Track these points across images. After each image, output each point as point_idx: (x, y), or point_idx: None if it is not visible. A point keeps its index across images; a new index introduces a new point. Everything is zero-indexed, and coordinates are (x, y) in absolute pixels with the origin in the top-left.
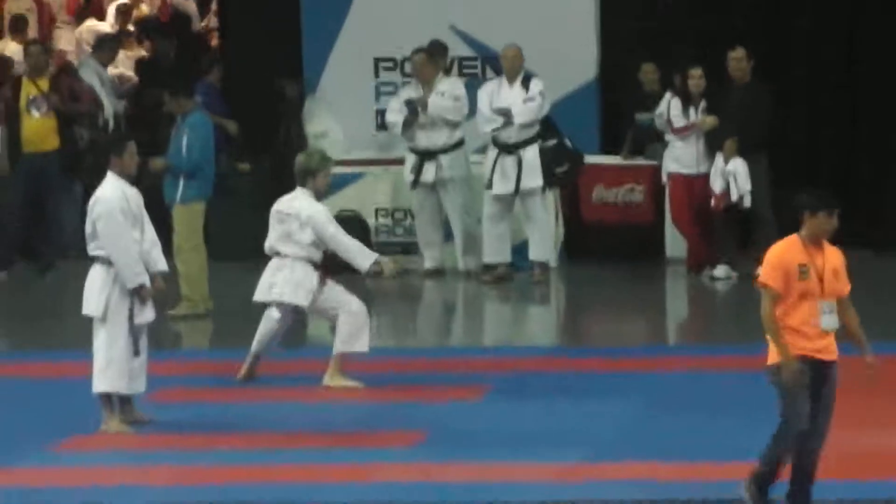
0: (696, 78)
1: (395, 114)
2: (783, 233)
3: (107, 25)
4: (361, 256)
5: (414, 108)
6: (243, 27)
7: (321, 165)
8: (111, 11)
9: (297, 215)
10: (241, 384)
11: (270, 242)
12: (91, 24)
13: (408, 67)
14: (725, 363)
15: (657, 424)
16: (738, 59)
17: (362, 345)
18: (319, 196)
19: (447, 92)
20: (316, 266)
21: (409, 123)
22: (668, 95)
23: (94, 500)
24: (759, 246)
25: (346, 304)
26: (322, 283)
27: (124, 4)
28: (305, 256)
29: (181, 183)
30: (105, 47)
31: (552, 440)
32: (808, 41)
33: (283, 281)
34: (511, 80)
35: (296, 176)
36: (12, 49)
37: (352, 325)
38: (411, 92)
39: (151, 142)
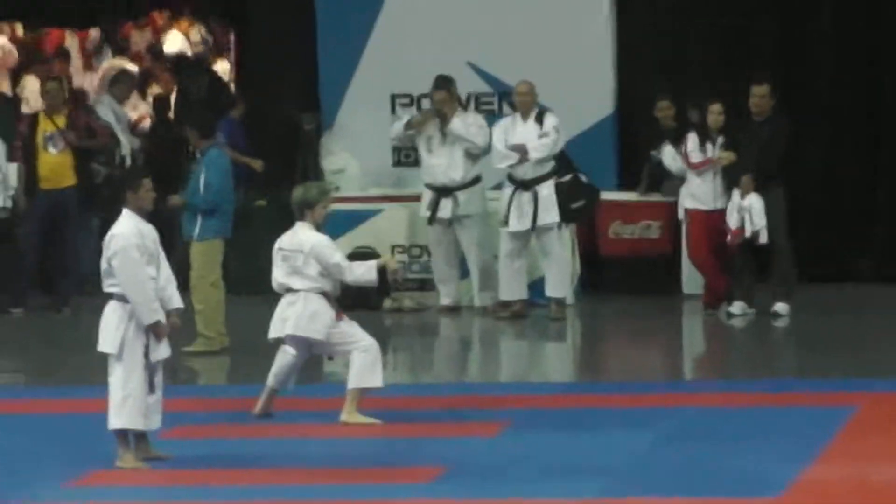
0: (715, 113)
1: (399, 123)
2: (804, 267)
3: (129, 63)
4: (367, 272)
5: (409, 124)
6: (261, 63)
7: (319, 197)
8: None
9: (301, 249)
10: (257, 420)
11: (279, 280)
12: (115, 62)
13: (424, 104)
14: (742, 399)
15: (675, 459)
16: (761, 96)
17: (376, 380)
18: (318, 228)
19: (470, 120)
20: (329, 299)
21: (412, 126)
22: (687, 136)
23: None
24: (778, 278)
25: (359, 341)
26: (338, 317)
27: (153, 44)
28: (317, 288)
29: (199, 220)
30: (120, 84)
31: (571, 475)
32: (830, 70)
33: (297, 315)
34: (525, 116)
35: (294, 209)
36: (31, 86)
37: (364, 361)
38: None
39: (167, 178)
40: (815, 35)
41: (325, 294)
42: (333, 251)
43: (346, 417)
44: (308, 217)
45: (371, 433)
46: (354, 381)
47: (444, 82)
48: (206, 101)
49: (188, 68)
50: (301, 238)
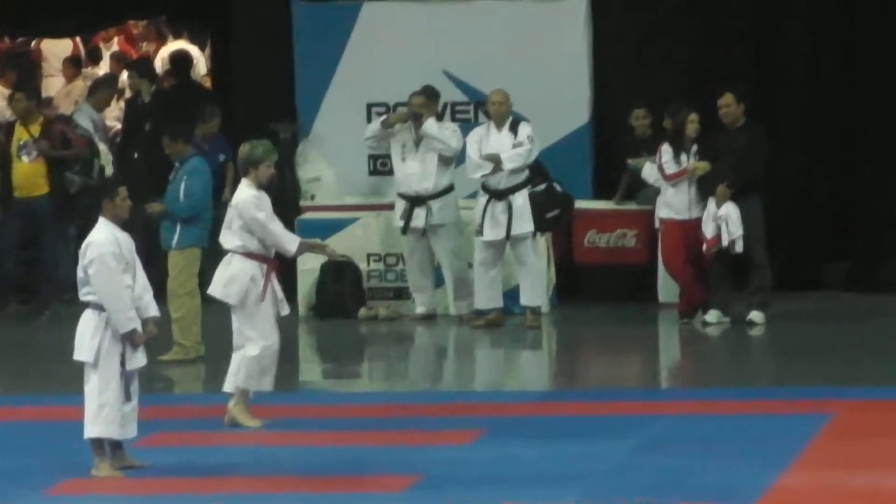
0: (691, 122)
1: (375, 122)
2: (779, 275)
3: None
4: (289, 242)
5: (386, 122)
6: (237, 72)
7: (265, 156)
8: (107, 58)
9: (235, 204)
10: (232, 429)
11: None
12: (90, 71)
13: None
14: (717, 407)
15: (650, 467)
16: (726, 106)
17: (265, 384)
18: (262, 187)
19: (445, 125)
20: (255, 262)
21: (389, 124)
22: (661, 147)
23: None
24: (754, 288)
25: (255, 341)
26: (263, 290)
27: (120, 52)
28: (242, 247)
29: (178, 228)
30: (99, 91)
31: (546, 483)
32: (806, 76)
33: (218, 277)
34: (499, 126)
35: (239, 167)
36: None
37: (251, 364)
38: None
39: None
40: (792, 44)
41: (251, 255)
42: (258, 208)
43: (232, 418)
44: (251, 175)
45: (346, 441)
46: (237, 381)
47: (427, 90)
48: (182, 109)
49: (140, 71)
50: (236, 196)
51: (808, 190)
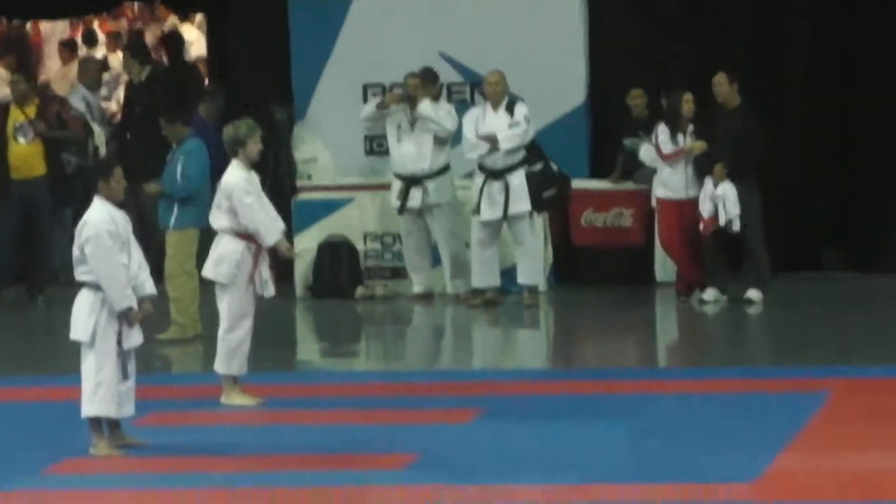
0: (687, 102)
1: (371, 103)
2: (774, 260)
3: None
4: (267, 233)
5: (382, 103)
6: (232, 54)
7: (249, 133)
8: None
9: (224, 185)
10: (230, 408)
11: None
12: (87, 53)
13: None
14: (716, 386)
15: (648, 447)
16: (719, 84)
17: (234, 367)
18: (251, 165)
19: (440, 106)
20: (245, 238)
21: (384, 105)
22: (657, 127)
23: None
24: (749, 274)
25: (227, 323)
26: (252, 272)
27: (116, 32)
28: (229, 228)
29: (175, 208)
30: (88, 70)
31: (544, 463)
32: (804, 62)
33: (209, 257)
34: (495, 106)
35: (226, 149)
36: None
37: (222, 347)
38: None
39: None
40: (791, 26)
41: (240, 235)
42: (247, 192)
43: (224, 399)
44: (241, 155)
45: (344, 420)
46: (217, 365)
47: (426, 72)
48: (177, 90)
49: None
50: (226, 177)
51: (805, 171)
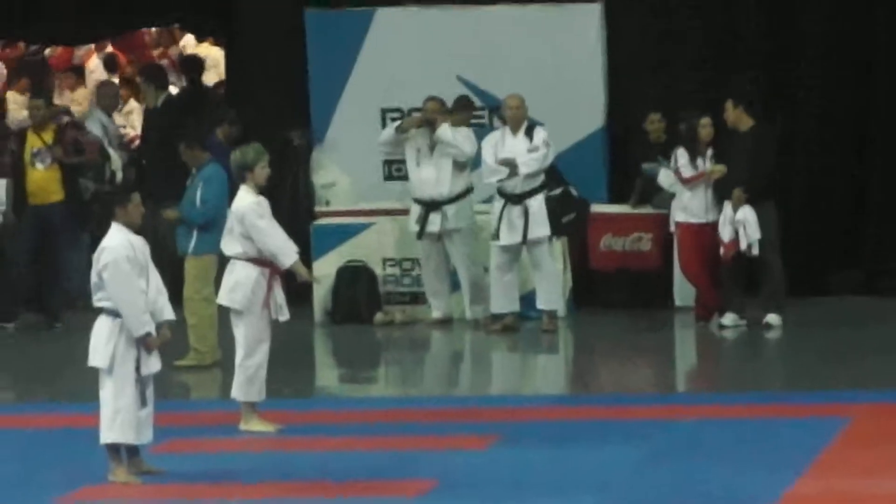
0: (704, 126)
1: (390, 128)
2: (791, 279)
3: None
4: (284, 254)
5: (401, 127)
6: (250, 78)
7: (257, 158)
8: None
9: (235, 211)
10: (248, 435)
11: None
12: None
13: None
14: (734, 411)
15: (667, 472)
16: (725, 109)
17: (252, 394)
18: (260, 190)
19: (459, 130)
20: (260, 267)
21: (403, 129)
22: (676, 151)
23: None
24: (768, 290)
25: (243, 350)
26: (266, 298)
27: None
28: (243, 254)
29: (194, 234)
30: (105, 94)
31: (562, 488)
32: (819, 81)
33: (223, 284)
34: (515, 130)
35: (234, 174)
36: (19, 101)
37: (240, 375)
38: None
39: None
40: (806, 47)
41: (253, 261)
42: (259, 216)
43: (242, 426)
44: (249, 179)
45: (362, 447)
46: (235, 392)
47: (460, 99)
48: (193, 113)
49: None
50: (236, 202)
51: (821, 193)
